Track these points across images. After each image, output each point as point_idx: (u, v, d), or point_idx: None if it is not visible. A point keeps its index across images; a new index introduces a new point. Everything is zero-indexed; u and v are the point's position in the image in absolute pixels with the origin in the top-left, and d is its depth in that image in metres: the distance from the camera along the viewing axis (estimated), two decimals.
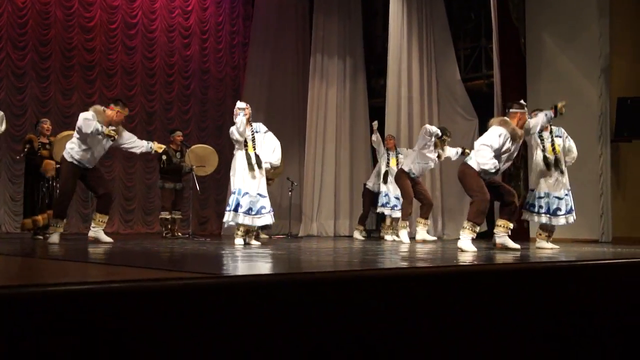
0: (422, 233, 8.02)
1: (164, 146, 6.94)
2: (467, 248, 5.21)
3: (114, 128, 6.27)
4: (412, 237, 8.24)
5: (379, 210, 9.16)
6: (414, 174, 8.16)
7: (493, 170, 5.44)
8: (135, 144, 6.60)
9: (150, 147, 6.67)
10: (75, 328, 1.64)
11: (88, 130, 6.03)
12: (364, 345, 2.30)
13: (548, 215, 6.22)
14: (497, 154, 5.52)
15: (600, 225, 8.75)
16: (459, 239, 5.46)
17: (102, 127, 6.08)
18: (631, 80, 9.47)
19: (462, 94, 10.78)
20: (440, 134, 7.94)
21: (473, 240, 5.33)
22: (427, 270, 2.99)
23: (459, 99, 10.81)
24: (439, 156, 8.11)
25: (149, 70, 11.43)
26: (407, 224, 8.17)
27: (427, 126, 8.21)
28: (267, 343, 2.01)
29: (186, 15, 11.91)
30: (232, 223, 6.40)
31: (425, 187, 8.72)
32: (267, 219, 6.44)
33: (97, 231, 6.34)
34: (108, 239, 6.32)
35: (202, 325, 1.87)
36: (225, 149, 10.90)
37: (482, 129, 10.45)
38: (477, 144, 5.62)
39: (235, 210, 6.27)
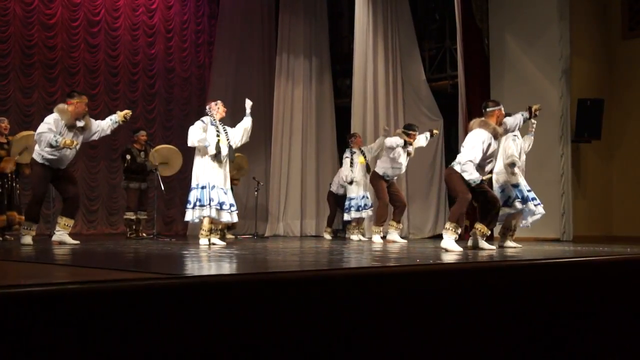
0: (393, 235, 7.93)
1: (129, 111, 6.68)
2: (451, 247, 5.30)
3: (81, 125, 6.14)
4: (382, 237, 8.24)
5: (345, 217, 9.09)
6: (388, 176, 8.11)
7: (478, 182, 5.52)
8: (102, 126, 6.45)
9: (116, 122, 6.49)
10: (35, 330, 1.61)
11: (41, 147, 5.90)
12: (328, 345, 2.30)
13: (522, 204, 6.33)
14: (484, 159, 5.63)
15: (561, 224, 8.92)
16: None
17: (56, 140, 5.88)
18: (591, 81, 9.70)
19: (427, 94, 10.88)
20: (403, 142, 7.91)
21: (455, 240, 5.42)
22: (395, 269, 3.01)
23: (424, 99, 10.90)
24: (408, 153, 8.08)
25: (113, 68, 11.26)
26: (381, 229, 8.09)
27: (387, 141, 8.04)
28: (230, 343, 2.00)
29: (150, 14, 11.77)
30: (196, 220, 6.35)
31: (398, 188, 8.65)
32: (233, 216, 6.41)
33: (61, 235, 6.21)
34: (74, 242, 6.20)
35: (166, 326, 1.85)
36: (190, 149, 10.79)
37: (447, 129, 10.63)
38: (461, 156, 5.65)
39: (201, 205, 6.23)
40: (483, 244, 5.59)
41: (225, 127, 6.60)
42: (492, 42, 9.74)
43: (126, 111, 6.57)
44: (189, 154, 10.55)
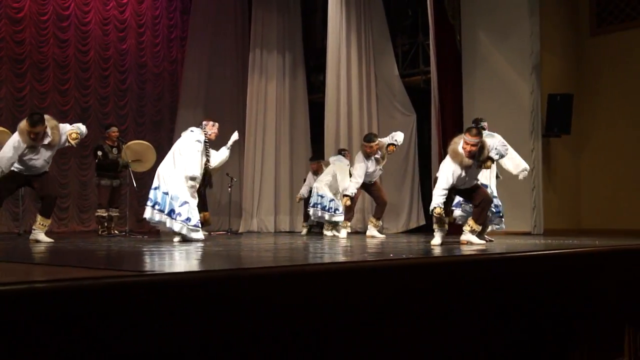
0: (372, 230, 7.90)
1: (76, 134, 6.22)
2: (475, 241, 5.60)
3: (45, 142, 5.99)
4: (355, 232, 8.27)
5: (310, 212, 8.75)
6: (368, 181, 8.01)
7: (435, 207, 5.58)
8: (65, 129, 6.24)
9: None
10: (4, 330, 1.58)
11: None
12: (302, 340, 2.30)
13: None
14: (454, 185, 5.69)
15: (532, 217, 9.04)
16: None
17: (2, 172, 5.78)
18: (561, 77, 9.84)
19: (400, 90, 10.93)
20: (365, 160, 7.79)
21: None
22: (368, 264, 3.02)
23: (397, 95, 10.96)
24: (377, 161, 7.92)
25: (83, 64, 11.09)
26: (348, 224, 8.11)
27: (355, 171, 7.86)
28: (203, 340, 1.99)
29: (121, 8, 11.62)
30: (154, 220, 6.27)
31: (380, 187, 8.51)
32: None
33: (37, 233, 6.12)
34: (48, 239, 6.11)
35: (137, 324, 1.84)
36: (163, 145, 10.71)
37: (420, 123, 10.71)
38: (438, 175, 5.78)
39: (160, 210, 6.16)
40: (472, 238, 5.64)
41: (209, 149, 6.50)
42: (464, 38, 9.82)
43: (74, 134, 6.18)
44: (162, 148, 10.48)
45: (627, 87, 9.63)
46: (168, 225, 6.12)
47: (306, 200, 10.04)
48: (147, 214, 6.22)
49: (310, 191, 9.15)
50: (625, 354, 4.21)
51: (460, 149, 5.53)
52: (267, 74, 11.98)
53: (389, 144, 7.89)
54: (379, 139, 7.98)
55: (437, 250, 4.63)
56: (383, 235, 7.92)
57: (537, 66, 9.23)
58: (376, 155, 7.87)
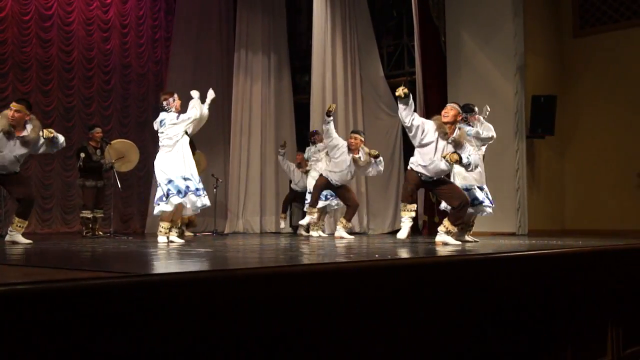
0: (341, 231, 7.72)
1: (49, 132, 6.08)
2: (451, 242, 5.54)
3: (23, 135, 5.92)
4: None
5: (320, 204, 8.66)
6: (336, 182, 7.94)
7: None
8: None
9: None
10: None
11: None
12: (288, 341, 2.30)
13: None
14: (420, 144, 5.68)
15: (516, 218, 9.10)
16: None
17: None
18: (544, 78, 9.91)
19: (385, 91, 10.96)
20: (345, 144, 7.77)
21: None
22: (354, 265, 3.02)
23: (383, 96, 10.99)
24: (355, 161, 7.77)
25: (66, 64, 11.00)
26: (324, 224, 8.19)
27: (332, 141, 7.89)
28: (188, 343, 1.98)
29: (105, 8, 11.54)
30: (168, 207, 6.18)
31: (349, 188, 8.39)
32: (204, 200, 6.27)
33: (14, 235, 6.03)
34: (26, 241, 6.04)
35: (122, 326, 1.83)
36: (148, 145, 10.66)
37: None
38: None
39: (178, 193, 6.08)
40: (448, 239, 5.56)
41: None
42: (448, 39, 9.87)
43: (49, 132, 6.02)
44: (146, 149, 10.44)
45: (610, 89, 9.73)
46: (203, 203, 6.16)
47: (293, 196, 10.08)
48: (190, 204, 6.12)
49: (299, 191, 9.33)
50: (608, 354, 4.25)
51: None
52: (252, 74, 11.97)
53: (372, 153, 7.80)
54: (366, 149, 7.85)
55: (416, 250, 4.64)
56: (352, 237, 7.84)
57: (521, 67, 9.30)
58: (356, 155, 7.76)
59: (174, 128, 6.19)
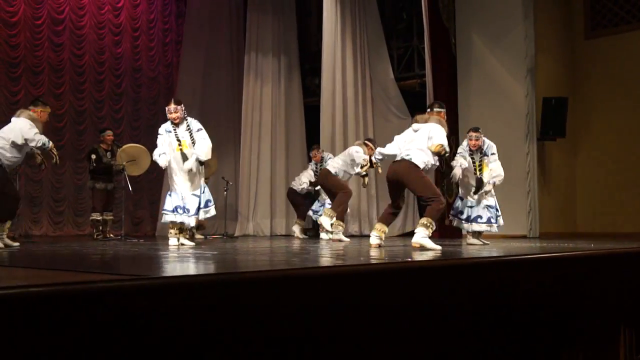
0: (337, 234, 7.73)
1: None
2: (429, 245, 5.11)
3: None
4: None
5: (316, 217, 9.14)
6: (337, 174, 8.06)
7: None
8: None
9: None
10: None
11: (37, 144, 5.70)
12: (297, 344, 2.30)
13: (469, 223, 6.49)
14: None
15: (528, 221, 9.05)
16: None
17: (48, 141, 5.75)
18: (555, 80, 9.87)
19: (395, 93, 10.94)
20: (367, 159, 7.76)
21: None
22: (363, 268, 3.02)
23: (393, 98, 10.96)
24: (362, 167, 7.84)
25: (78, 67, 11.07)
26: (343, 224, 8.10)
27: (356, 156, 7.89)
28: (199, 344, 1.99)
29: (116, 12, 11.61)
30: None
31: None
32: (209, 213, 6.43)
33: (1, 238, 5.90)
34: (14, 244, 5.98)
35: (133, 328, 1.83)
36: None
37: None
38: (432, 141, 5.42)
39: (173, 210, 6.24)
40: (427, 242, 5.14)
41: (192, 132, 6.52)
42: (458, 41, 9.84)
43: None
44: None
45: (621, 90, 9.67)
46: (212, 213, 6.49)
47: (299, 199, 10.06)
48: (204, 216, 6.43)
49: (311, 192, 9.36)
50: (620, 355, 4.22)
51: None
52: (263, 77, 11.98)
53: (373, 159, 7.76)
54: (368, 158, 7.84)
55: (433, 254, 4.63)
56: (348, 239, 7.82)
57: (531, 69, 9.26)
58: (363, 174, 7.88)
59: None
